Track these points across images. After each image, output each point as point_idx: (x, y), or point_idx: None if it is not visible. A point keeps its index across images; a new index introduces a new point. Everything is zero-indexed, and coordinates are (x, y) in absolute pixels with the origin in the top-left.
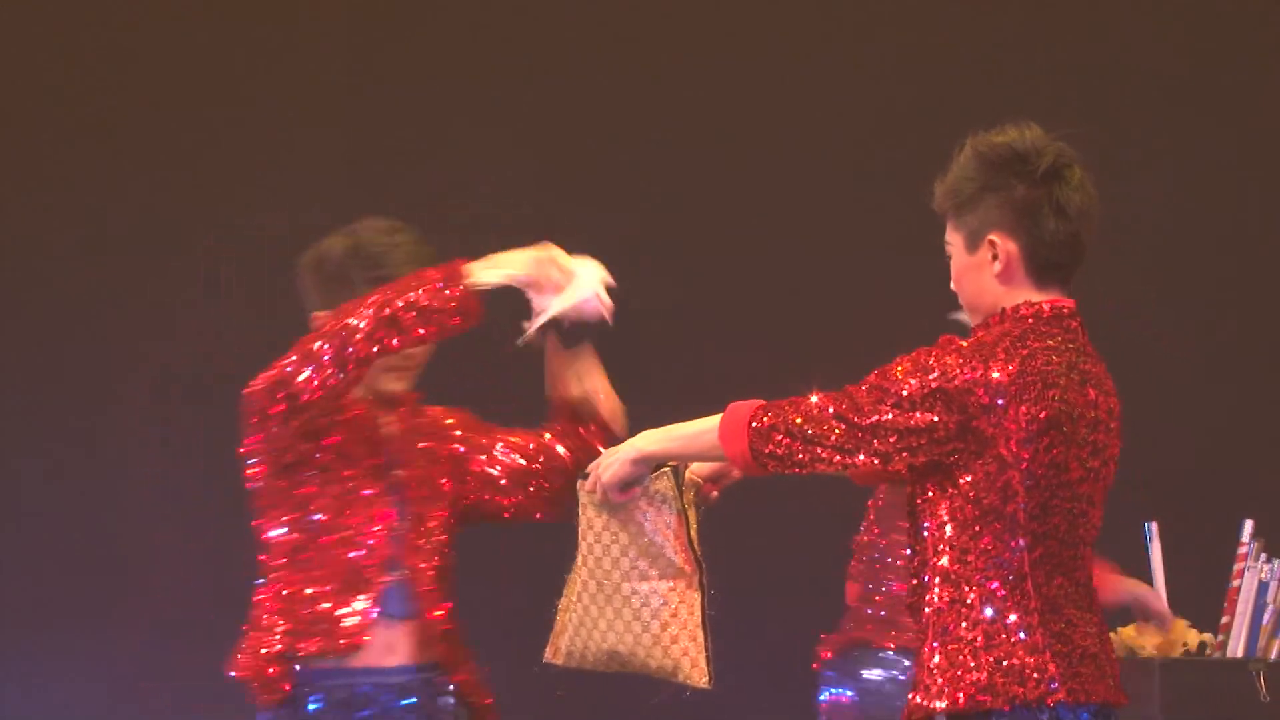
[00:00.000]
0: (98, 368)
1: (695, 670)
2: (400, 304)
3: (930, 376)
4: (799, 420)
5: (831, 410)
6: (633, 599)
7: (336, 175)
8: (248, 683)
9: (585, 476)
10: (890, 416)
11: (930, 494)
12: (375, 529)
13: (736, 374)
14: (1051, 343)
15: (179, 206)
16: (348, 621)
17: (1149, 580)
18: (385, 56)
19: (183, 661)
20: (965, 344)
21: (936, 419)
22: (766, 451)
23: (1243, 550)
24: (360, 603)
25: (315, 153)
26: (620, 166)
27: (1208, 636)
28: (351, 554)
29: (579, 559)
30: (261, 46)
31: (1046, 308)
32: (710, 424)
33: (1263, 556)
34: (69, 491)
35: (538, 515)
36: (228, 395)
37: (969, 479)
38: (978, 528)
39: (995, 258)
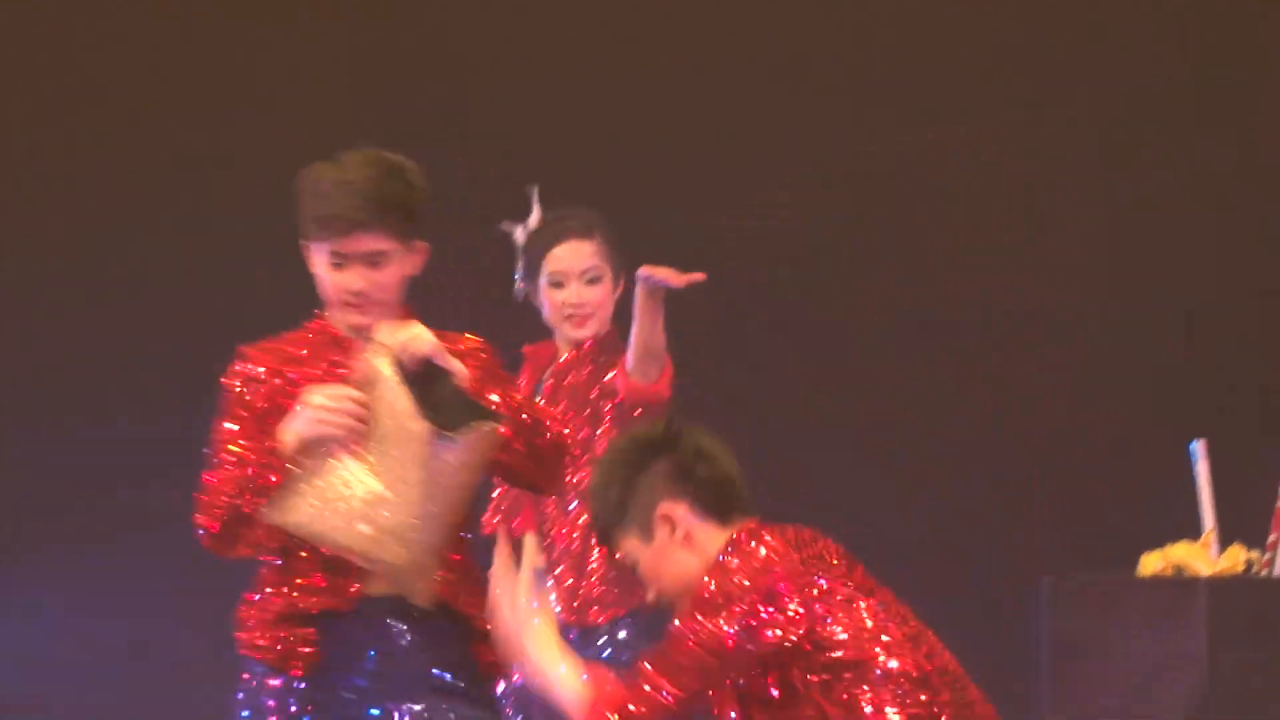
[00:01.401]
0: (86, 355)
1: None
2: None
3: (708, 650)
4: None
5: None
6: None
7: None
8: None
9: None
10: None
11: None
12: None
13: (736, 373)
14: (758, 562)
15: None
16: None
17: (1196, 499)
18: (387, 53)
19: (177, 645)
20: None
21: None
22: None
23: None
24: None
25: (316, 151)
26: (620, 165)
27: (1255, 554)
28: None
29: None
30: (263, 45)
31: (742, 536)
32: (571, 691)
33: None
34: (59, 471)
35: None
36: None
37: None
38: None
39: (674, 528)
